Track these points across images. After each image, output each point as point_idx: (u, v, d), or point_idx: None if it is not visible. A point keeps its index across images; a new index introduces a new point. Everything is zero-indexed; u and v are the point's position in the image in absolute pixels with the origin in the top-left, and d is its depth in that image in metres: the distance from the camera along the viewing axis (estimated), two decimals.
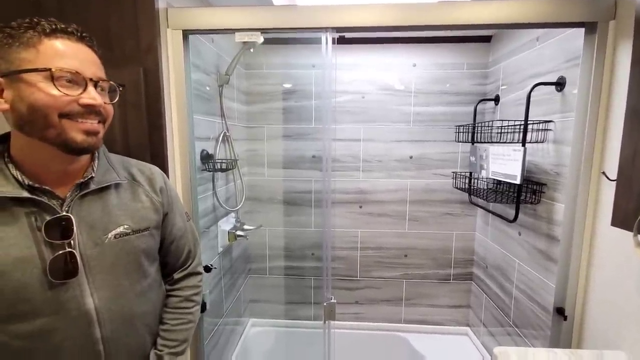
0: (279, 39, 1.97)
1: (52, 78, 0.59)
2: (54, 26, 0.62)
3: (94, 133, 0.65)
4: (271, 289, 2.23)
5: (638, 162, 0.73)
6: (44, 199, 0.64)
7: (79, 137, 0.63)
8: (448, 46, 1.94)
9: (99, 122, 0.66)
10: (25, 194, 0.63)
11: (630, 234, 0.72)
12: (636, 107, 0.76)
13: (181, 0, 1.19)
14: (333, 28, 1.10)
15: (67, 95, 0.61)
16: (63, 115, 0.61)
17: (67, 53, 0.62)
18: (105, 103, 0.67)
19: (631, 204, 0.74)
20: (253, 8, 1.09)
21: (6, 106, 0.61)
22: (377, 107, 2.02)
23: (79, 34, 0.65)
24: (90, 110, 0.63)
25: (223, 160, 1.62)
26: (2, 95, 0.60)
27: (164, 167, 1.07)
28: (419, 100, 2.00)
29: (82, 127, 0.63)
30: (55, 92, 0.60)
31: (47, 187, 0.65)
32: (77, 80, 0.62)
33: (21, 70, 0.59)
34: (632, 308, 0.95)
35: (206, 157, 1.51)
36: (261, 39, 1.13)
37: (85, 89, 0.63)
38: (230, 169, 1.70)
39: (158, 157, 1.07)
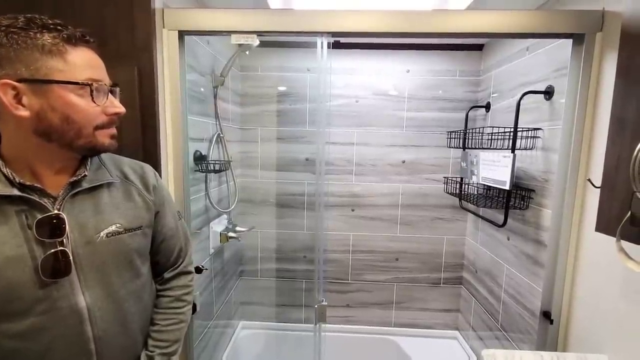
0: (274, 42, 1.98)
1: (92, 92, 0.63)
2: (70, 31, 0.62)
3: (115, 136, 0.71)
4: (262, 291, 2.22)
5: (621, 169, 0.75)
6: (35, 197, 0.64)
7: (106, 141, 0.69)
8: (441, 53, 1.98)
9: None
10: (16, 192, 0.62)
11: (614, 239, 0.74)
12: (620, 117, 0.78)
13: (177, 0, 1.20)
14: (328, 33, 1.12)
15: (98, 105, 0.65)
16: (97, 128, 0.66)
17: (91, 63, 0.65)
18: None
19: (614, 210, 0.76)
20: (249, 11, 1.10)
21: (26, 113, 0.60)
22: (371, 111, 2.04)
23: (90, 39, 0.66)
24: (117, 118, 0.69)
25: (216, 162, 1.62)
26: (21, 102, 0.60)
27: (156, 167, 1.07)
28: (412, 105, 2.02)
29: (109, 133, 0.69)
30: (91, 104, 0.64)
31: (38, 185, 0.65)
32: (102, 89, 0.65)
33: (59, 81, 0.60)
34: (616, 312, 0.98)
35: (199, 158, 1.51)
36: (257, 42, 1.14)
37: (107, 97, 0.67)
38: (223, 171, 1.69)
39: (151, 157, 1.07)
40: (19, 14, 0.62)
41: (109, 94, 0.67)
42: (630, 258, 0.73)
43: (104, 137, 0.68)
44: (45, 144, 0.64)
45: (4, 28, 0.58)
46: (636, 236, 0.71)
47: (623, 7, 0.85)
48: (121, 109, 0.69)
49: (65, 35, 0.61)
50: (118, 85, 0.71)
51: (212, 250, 1.68)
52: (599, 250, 1.05)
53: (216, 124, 1.66)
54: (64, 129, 0.63)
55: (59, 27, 0.61)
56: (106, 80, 0.67)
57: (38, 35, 0.59)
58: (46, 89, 0.60)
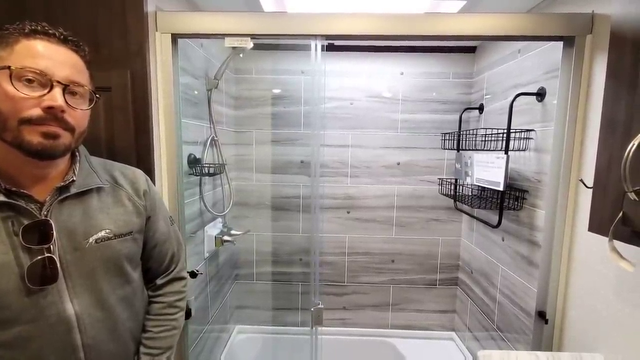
0: (268, 44, 1.98)
1: (10, 76, 0.57)
2: (34, 27, 0.61)
3: (53, 136, 0.61)
4: (258, 294, 2.20)
5: (613, 170, 0.76)
6: (22, 203, 0.63)
7: (35, 139, 0.59)
8: (435, 56, 1.99)
9: (63, 128, 0.62)
10: (2, 198, 0.61)
11: (607, 239, 0.75)
12: (610, 118, 0.79)
13: (171, 4, 1.19)
14: (322, 36, 1.12)
15: (25, 95, 0.58)
16: (23, 122, 0.58)
17: (40, 54, 0.60)
18: (70, 106, 0.62)
19: (606, 211, 0.77)
20: (243, 14, 1.10)
21: None
22: (365, 114, 2.04)
23: (61, 36, 0.64)
24: (52, 115, 0.60)
25: (211, 165, 1.61)
26: None
27: (150, 171, 1.06)
28: (406, 107, 2.03)
29: (40, 130, 0.60)
30: (11, 89, 0.57)
31: (24, 191, 0.63)
32: (42, 81, 0.59)
33: None
34: (609, 311, 0.99)
35: (194, 162, 1.50)
36: (251, 45, 1.13)
37: (49, 91, 0.60)
38: (217, 174, 1.68)
39: (145, 161, 1.05)
40: (12, 19, 0.62)
41: (58, 89, 0.60)
42: (623, 257, 0.74)
43: (32, 134, 0.59)
44: (0, 143, 0.61)
45: None
46: (628, 236, 0.72)
47: (612, 10, 0.87)
48: (55, 102, 0.59)
49: (27, 29, 0.60)
50: (82, 85, 0.65)
51: (207, 254, 1.67)
52: (592, 250, 1.06)
53: (210, 127, 1.65)
54: None
55: (26, 24, 0.61)
56: (59, 74, 0.61)
57: (8, 34, 0.60)
58: None
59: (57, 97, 0.60)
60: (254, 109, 2.06)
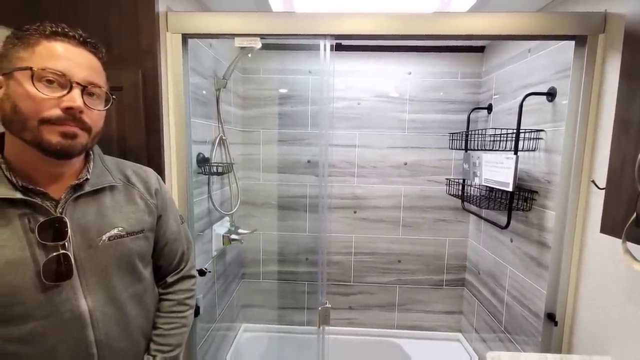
0: (276, 44, 1.99)
1: (32, 77, 0.59)
2: (54, 29, 0.62)
3: (72, 136, 0.62)
4: (264, 293, 2.21)
5: (626, 170, 0.75)
6: (38, 200, 0.64)
7: (54, 139, 0.61)
8: (443, 55, 1.98)
9: (81, 128, 0.64)
10: (19, 195, 0.62)
11: (619, 241, 0.74)
12: (624, 118, 0.78)
13: (181, 4, 1.20)
14: (332, 35, 1.12)
15: (46, 96, 0.59)
16: (43, 122, 0.60)
17: (60, 55, 0.61)
18: (88, 106, 0.64)
19: (620, 212, 0.76)
20: (252, 14, 1.11)
21: None
22: (373, 113, 2.04)
23: (81, 38, 0.65)
24: (71, 116, 0.61)
25: (219, 164, 1.62)
26: None
27: (160, 170, 1.07)
28: (413, 107, 2.03)
29: (59, 129, 0.61)
30: (32, 90, 0.58)
31: (40, 189, 0.65)
32: (61, 82, 0.61)
33: (11, 68, 0.59)
34: (620, 314, 0.97)
35: (202, 161, 1.51)
36: (260, 45, 1.14)
37: (69, 92, 0.61)
38: (225, 173, 1.69)
39: (155, 160, 1.07)
40: (25, 20, 0.63)
41: (77, 90, 0.62)
42: (637, 260, 0.73)
43: (52, 134, 0.60)
44: (19, 141, 0.62)
45: (18, 33, 0.61)
46: None
47: (626, 9, 0.86)
48: (74, 103, 0.61)
49: (48, 31, 0.62)
50: (99, 86, 0.66)
51: (214, 253, 1.68)
52: (603, 252, 1.04)
53: (219, 126, 1.66)
54: (12, 119, 0.60)
55: (46, 25, 0.62)
56: (77, 75, 0.62)
57: (29, 34, 0.61)
58: (10, 78, 0.60)
59: (76, 98, 0.62)
60: (262, 109, 2.07)
